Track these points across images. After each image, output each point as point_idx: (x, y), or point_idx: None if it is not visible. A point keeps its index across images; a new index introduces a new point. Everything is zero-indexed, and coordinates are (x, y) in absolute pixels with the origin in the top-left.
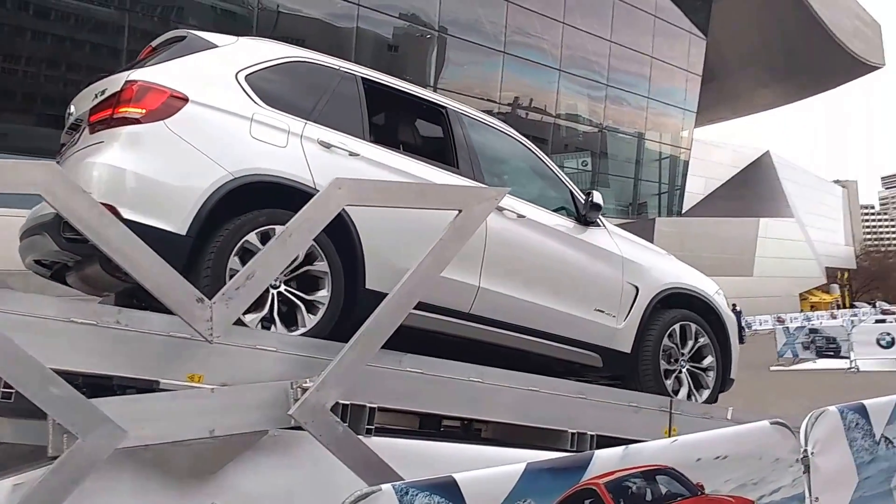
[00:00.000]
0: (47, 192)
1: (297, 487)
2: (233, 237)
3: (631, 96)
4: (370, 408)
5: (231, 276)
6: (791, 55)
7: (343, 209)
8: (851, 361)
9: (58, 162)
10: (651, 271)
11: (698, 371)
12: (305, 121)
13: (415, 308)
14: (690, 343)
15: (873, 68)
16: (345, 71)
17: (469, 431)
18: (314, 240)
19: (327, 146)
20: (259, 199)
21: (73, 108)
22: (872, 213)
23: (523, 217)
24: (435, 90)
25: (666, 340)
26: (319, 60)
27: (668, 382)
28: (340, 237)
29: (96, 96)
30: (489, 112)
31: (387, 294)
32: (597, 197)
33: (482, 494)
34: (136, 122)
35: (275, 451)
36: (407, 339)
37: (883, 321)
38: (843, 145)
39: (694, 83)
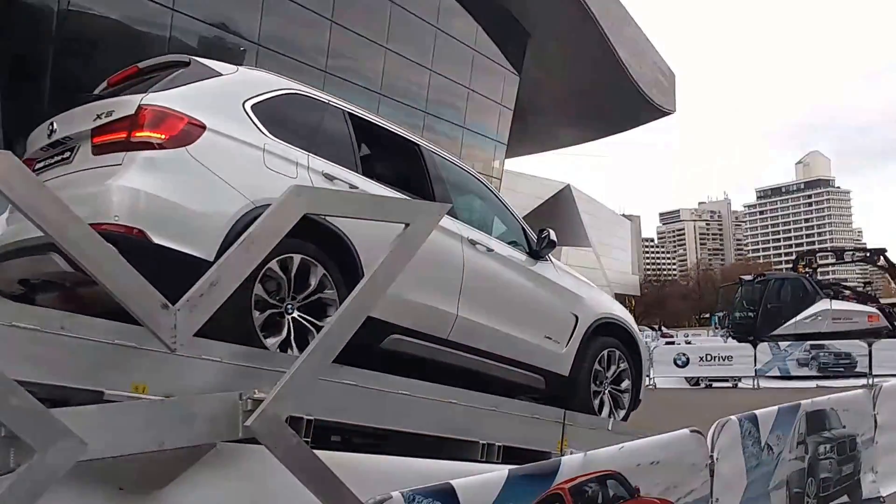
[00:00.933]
0: (4, 182)
1: (239, 500)
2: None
3: (448, 125)
4: (307, 420)
5: (256, 304)
6: (596, 98)
7: (351, 246)
8: (651, 379)
9: (35, 171)
10: (587, 302)
11: (618, 393)
12: (307, 153)
13: (404, 335)
14: (614, 367)
15: (665, 114)
16: (334, 106)
17: (376, 444)
18: (325, 270)
19: (330, 178)
20: None
21: (56, 126)
22: (652, 246)
23: (492, 251)
24: None
25: (596, 365)
26: (312, 94)
27: (595, 403)
28: (349, 268)
29: (99, 116)
30: None
31: (384, 321)
32: (552, 234)
33: (474, 499)
34: (157, 147)
35: (217, 466)
36: (395, 365)
37: (672, 343)
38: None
39: (506, 117)
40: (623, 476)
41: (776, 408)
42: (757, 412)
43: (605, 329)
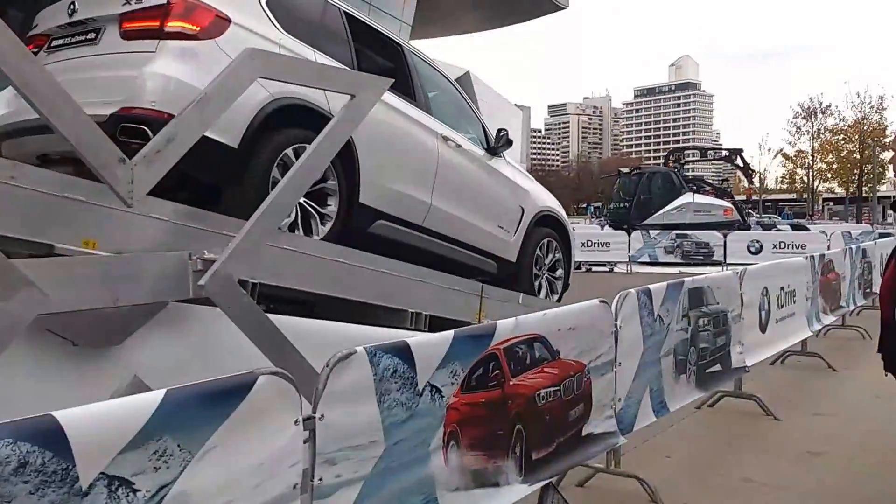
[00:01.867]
0: None
1: (191, 359)
2: (274, 151)
3: (352, 1)
4: (252, 283)
5: (273, 186)
6: None
7: (353, 145)
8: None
9: (47, 49)
10: (531, 195)
11: (553, 278)
12: (314, 49)
13: (388, 221)
14: (551, 256)
15: (559, 8)
16: (332, 4)
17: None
18: (332, 167)
19: None
20: (289, 120)
21: (77, 5)
22: (539, 137)
23: (460, 147)
24: None
25: (538, 252)
26: None
27: (535, 285)
28: (345, 160)
29: (128, 2)
30: None
31: (374, 208)
32: (510, 135)
33: (426, 356)
34: (189, 37)
35: (168, 324)
36: (377, 249)
37: None
38: (522, 73)
39: None
40: (547, 339)
41: (666, 283)
42: (651, 287)
43: (545, 221)
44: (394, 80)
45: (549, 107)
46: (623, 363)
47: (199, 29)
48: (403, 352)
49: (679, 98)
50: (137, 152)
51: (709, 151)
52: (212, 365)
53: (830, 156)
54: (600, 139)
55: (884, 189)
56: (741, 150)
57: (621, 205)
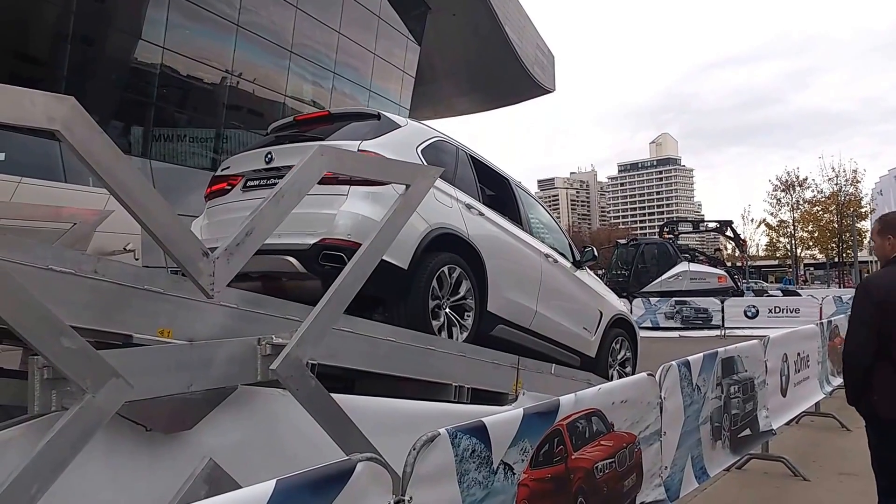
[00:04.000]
0: (65, 128)
1: (255, 441)
2: (433, 270)
3: (355, 87)
4: (311, 364)
5: (433, 296)
6: (485, 71)
7: (480, 255)
8: None
9: (243, 188)
10: (607, 301)
11: (623, 373)
12: (454, 187)
13: (506, 325)
14: (623, 351)
15: (546, 92)
16: (460, 148)
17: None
18: (464, 273)
19: (469, 207)
20: (442, 245)
21: (274, 155)
22: None
23: (557, 262)
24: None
25: (612, 347)
26: (448, 139)
27: (611, 373)
28: (479, 277)
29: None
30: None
31: (496, 314)
32: (595, 251)
33: (500, 434)
34: (375, 183)
35: (235, 407)
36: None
37: None
38: (512, 151)
39: (408, 84)
40: (602, 413)
41: (702, 354)
42: (689, 358)
43: (618, 323)
44: (444, 168)
45: (539, 181)
46: (668, 432)
47: None
48: (480, 432)
49: (661, 172)
50: (335, 274)
51: (700, 224)
52: (275, 447)
53: (811, 225)
54: (588, 211)
55: (863, 255)
56: (731, 222)
57: (620, 273)
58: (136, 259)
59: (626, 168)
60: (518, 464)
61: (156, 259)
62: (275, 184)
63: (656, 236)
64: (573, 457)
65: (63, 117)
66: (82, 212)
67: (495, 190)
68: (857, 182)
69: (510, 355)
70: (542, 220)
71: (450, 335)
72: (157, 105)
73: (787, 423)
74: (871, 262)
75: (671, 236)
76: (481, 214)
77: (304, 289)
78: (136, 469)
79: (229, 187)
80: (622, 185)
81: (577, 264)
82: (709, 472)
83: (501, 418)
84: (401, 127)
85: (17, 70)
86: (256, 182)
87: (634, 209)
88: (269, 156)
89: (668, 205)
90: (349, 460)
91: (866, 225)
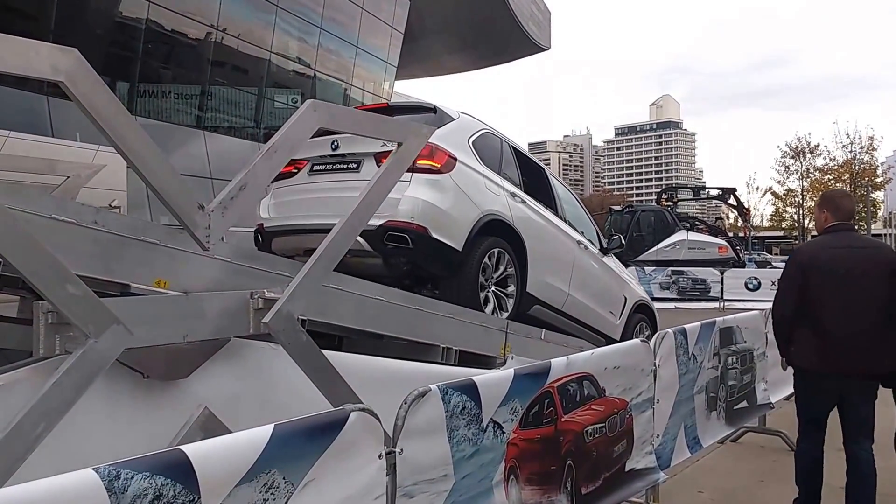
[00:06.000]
0: (70, 80)
1: (247, 392)
2: (482, 252)
3: (342, 43)
4: (301, 320)
5: (482, 278)
6: (478, 27)
7: (522, 240)
8: None
9: (310, 171)
10: (631, 287)
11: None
12: (500, 176)
13: (542, 306)
14: (644, 334)
15: (541, 49)
16: (503, 139)
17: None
18: (509, 256)
19: (513, 195)
20: (490, 230)
21: (339, 143)
22: None
23: (587, 249)
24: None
25: (635, 331)
26: (493, 131)
27: None
28: (520, 258)
29: (384, 143)
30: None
31: (533, 295)
32: (622, 240)
33: (490, 394)
34: (434, 172)
35: (228, 359)
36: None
37: None
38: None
39: (397, 40)
40: (594, 377)
41: (699, 323)
42: (686, 326)
43: (640, 308)
44: (435, 129)
45: (530, 144)
46: (661, 400)
47: (439, 165)
48: (471, 389)
49: (661, 136)
50: (397, 253)
51: (701, 190)
52: (265, 399)
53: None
54: (581, 176)
55: (877, 227)
56: (734, 190)
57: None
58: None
59: (623, 131)
60: (508, 423)
61: (140, 217)
62: (340, 169)
63: (654, 203)
64: (563, 419)
65: (67, 69)
66: (75, 166)
67: (533, 179)
68: (874, 150)
69: (499, 319)
70: (573, 208)
71: (492, 312)
72: (142, 60)
73: (787, 399)
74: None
75: (670, 203)
76: (523, 202)
77: (365, 265)
78: (134, 414)
79: (296, 171)
80: (619, 149)
81: (604, 251)
82: (702, 442)
83: (492, 377)
84: (454, 119)
85: (3, 24)
86: (322, 166)
87: (631, 175)
88: (335, 143)
89: (667, 171)
90: (343, 410)
91: (881, 196)
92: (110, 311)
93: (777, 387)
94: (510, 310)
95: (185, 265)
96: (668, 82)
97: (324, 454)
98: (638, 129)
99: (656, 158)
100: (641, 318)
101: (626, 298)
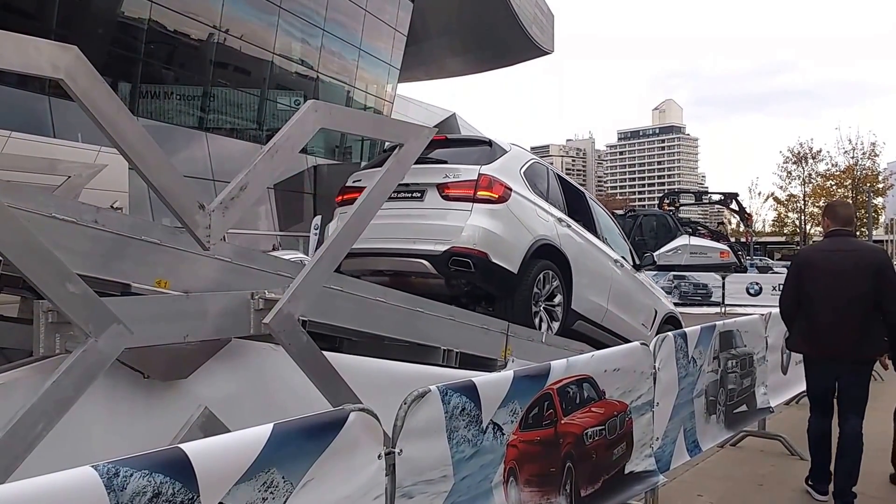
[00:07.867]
0: (69, 77)
1: (246, 393)
2: (535, 274)
3: (344, 45)
4: (302, 321)
5: (534, 297)
6: (480, 30)
7: (568, 261)
8: None
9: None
10: (661, 301)
11: None
12: (548, 203)
13: (584, 321)
14: None
15: (544, 53)
16: (548, 169)
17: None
18: (557, 276)
19: (559, 220)
20: (541, 253)
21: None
22: None
23: (623, 266)
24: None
25: None
26: (539, 161)
27: None
28: (566, 277)
29: (447, 175)
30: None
31: (577, 311)
32: (654, 257)
33: (490, 395)
34: (492, 202)
35: (228, 359)
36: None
37: None
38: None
39: (400, 42)
40: (594, 380)
41: (699, 327)
42: (686, 330)
43: (670, 320)
44: (437, 129)
45: (533, 148)
46: (661, 403)
47: (497, 196)
48: (470, 391)
49: (663, 141)
50: (460, 276)
51: (704, 195)
52: (265, 399)
53: (822, 200)
54: (584, 181)
55: (878, 233)
56: (737, 195)
57: None
58: None
59: (626, 136)
60: (507, 425)
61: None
62: (405, 198)
63: (656, 208)
64: (563, 421)
65: (67, 66)
66: (77, 166)
67: (575, 203)
68: (876, 156)
69: (500, 321)
70: (610, 229)
71: (540, 328)
72: (144, 61)
73: (787, 403)
74: (886, 241)
75: (672, 208)
76: (569, 227)
77: (427, 285)
78: (134, 414)
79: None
80: (621, 153)
81: (637, 267)
82: (701, 445)
83: (492, 378)
84: (508, 152)
85: (5, 23)
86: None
87: (633, 179)
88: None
89: (669, 175)
90: (342, 409)
91: (882, 202)
92: (111, 311)
93: (777, 391)
94: (558, 325)
95: (186, 265)
96: (672, 87)
97: (323, 454)
98: (641, 133)
99: (659, 163)
100: (670, 330)
101: (656, 311)
